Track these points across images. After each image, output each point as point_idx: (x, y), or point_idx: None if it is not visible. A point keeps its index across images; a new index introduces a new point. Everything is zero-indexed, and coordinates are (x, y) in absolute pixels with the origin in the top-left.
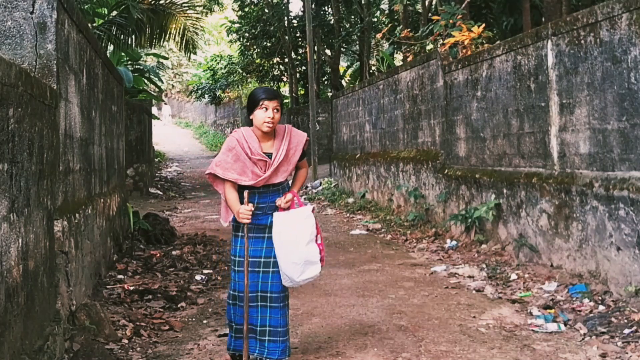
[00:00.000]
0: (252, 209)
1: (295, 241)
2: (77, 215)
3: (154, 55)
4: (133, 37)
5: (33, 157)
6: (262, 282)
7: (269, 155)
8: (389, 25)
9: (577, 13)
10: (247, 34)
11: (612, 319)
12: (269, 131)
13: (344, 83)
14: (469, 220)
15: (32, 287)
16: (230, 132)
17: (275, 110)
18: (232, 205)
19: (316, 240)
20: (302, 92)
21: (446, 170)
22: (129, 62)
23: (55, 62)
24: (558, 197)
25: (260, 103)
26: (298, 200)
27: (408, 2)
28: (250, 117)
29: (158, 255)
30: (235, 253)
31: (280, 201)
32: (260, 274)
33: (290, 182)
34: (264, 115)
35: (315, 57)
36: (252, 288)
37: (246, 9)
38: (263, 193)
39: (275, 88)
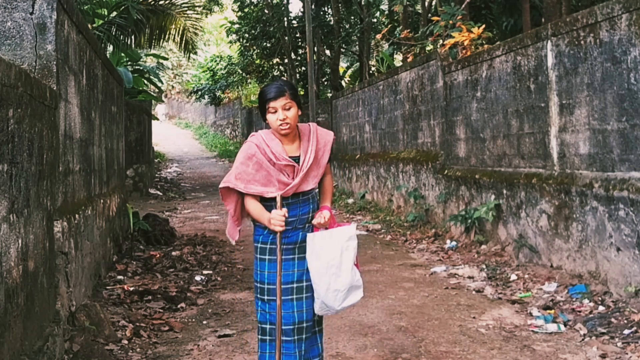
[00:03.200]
0: (286, 214)
1: (338, 266)
2: (76, 216)
3: (154, 55)
4: (133, 37)
5: (33, 157)
6: (297, 312)
7: (296, 159)
8: (389, 25)
9: (576, 14)
10: (246, 35)
11: (612, 320)
12: (287, 133)
13: (343, 84)
14: (469, 220)
15: (32, 287)
16: (230, 133)
17: (285, 109)
18: (259, 215)
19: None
20: (301, 93)
21: (446, 171)
22: (129, 63)
23: (55, 62)
24: (558, 197)
25: (267, 106)
26: (333, 218)
27: (408, 3)
28: (267, 122)
29: (158, 255)
30: (263, 279)
31: (318, 220)
32: (295, 302)
33: (317, 193)
34: (274, 118)
35: (315, 58)
36: (288, 320)
37: (246, 10)
38: (292, 204)
39: (282, 79)
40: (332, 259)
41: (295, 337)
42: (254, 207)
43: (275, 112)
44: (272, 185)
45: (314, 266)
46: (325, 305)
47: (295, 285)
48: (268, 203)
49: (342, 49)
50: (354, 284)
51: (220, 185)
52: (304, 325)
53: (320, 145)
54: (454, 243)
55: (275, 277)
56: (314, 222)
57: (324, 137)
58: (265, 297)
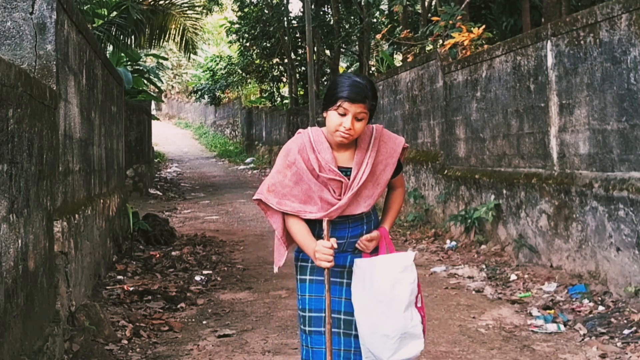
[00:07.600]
0: (335, 246)
1: (389, 304)
2: (76, 215)
3: (154, 55)
4: (132, 37)
5: (32, 157)
6: (344, 350)
7: (347, 172)
8: (389, 25)
9: (576, 14)
10: (246, 35)
11: (612, 320)
12: (343, 143)
13: None
14: (469, 220)
15: (32, 287)
16: (230, 133)
17: (357, 119)
18: (302, 241)
19: (416, 303)
20: (301, 93)
21: (446, 171)
22: (129, 63)
23: (54, 62)
24: (558, 197)
25: (338, 103)
26: (389, 243)
27: (408, 3)
28: (324, 115)
29: (158, 255)
30: (304, 306)
31: (362, 242)
32: (342, 337)
33: (375, 210)
34: (338, 121)
35: (314, 58)
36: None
37: (246, 10)
38: (340, 224)
39: (367, 77)
40: (380, 293)
41: None
42: (298, 229)
43: (344, 115)
44: (313, 204)
45: (358, 301)
46: (372, 355)
47: (343, 316)
48: (311, 222)
49: (342, 49)
50: (409, 331)
51: (254, 197)
52: None
53: (382, 156)
54: (453, 243)
55: (318, 303)
56: (358, 243)
57: (390, 145)
58: (307, 328)
